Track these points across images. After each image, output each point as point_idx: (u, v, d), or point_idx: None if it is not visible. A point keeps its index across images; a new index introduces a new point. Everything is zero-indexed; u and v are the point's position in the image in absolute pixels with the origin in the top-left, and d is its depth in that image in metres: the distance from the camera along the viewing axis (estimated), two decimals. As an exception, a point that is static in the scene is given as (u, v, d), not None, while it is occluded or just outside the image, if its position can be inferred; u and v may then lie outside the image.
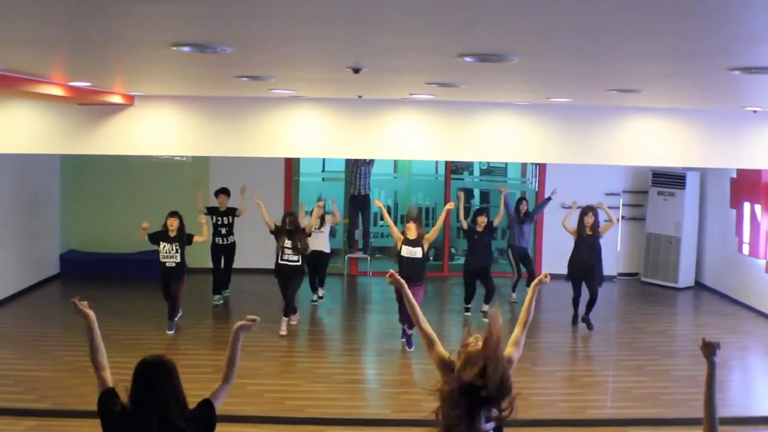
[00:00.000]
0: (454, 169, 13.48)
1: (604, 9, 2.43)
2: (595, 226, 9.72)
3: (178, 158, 12.17)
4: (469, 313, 10.19)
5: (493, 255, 10.81)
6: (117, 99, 7.62)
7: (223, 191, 10.63)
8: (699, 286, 12.57)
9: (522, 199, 11.35)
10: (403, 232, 8.77)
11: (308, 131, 8.30)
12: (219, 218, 10.58)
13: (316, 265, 10.61)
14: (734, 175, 11.52)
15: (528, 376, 8.04)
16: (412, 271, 8.39)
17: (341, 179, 13.23)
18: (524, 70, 4.32)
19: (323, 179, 14.21)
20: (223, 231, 10.57)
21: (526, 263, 11.17)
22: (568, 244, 9.95)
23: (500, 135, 8.35)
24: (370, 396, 7.87)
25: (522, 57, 3.64)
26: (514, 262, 11.17)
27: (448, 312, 10.87)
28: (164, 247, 9.22)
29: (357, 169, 12.48)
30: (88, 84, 6.36)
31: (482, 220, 9.97)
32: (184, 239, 9.31)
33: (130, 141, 8.26)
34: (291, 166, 12.59)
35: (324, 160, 13.66)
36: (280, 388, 7.58)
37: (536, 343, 9.30)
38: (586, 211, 9.79)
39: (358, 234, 12.69)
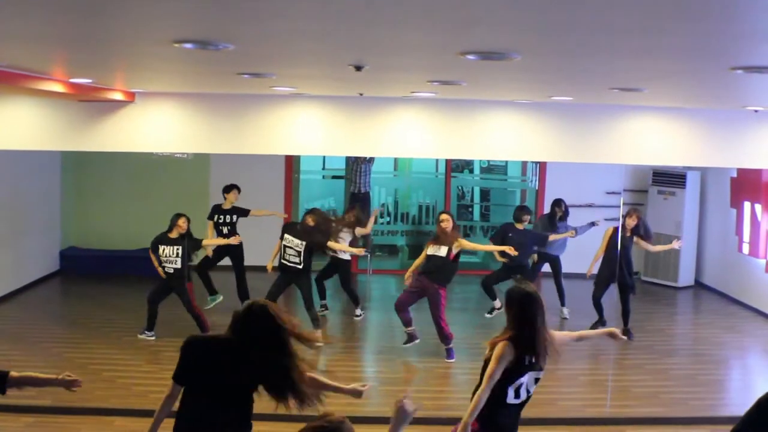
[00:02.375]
0: (455, 167, 13.48)
1: (608, 7, 2.43)
2: (637, 229, 9.29)
3: (178, 155, 12.16)
4: (490, 315, 9.82)
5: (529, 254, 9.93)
6: (118, 96, 7.62)
7: (236, 187, 9.93)
8: (699, 285, 12.58)
9: (560, 200, 10.43)
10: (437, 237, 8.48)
11: (309, 128, 8.29)
12: (221, 216, 9.81)
13: (334, 272, 10.07)
14: (734, 175, 11.52)
15: (528, 375, 8.04)
16: (433, 267, 8.31)
17: (342, 177, 13.23)
18: (527, 68, 4.31)
19: (323, 177, 14.22)
20: (225, 230, 9.76)
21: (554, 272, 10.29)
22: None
23: (501, 133, 8.34)
24: (370, 393, 7.85)
25: (525, 55, 3.64)
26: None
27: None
28: (163, 250, 8.65)
29: (357, 167, 12.47)
30: (90, 81, 6.36)
31: (527, 218, 9.52)
32: (185, 243, 8.68)
33: (131, 138, 8.25)
34: (291, 163, 12.59)
35: (324, 157, 13.67)
36: (279, 385, 7.58)
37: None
38: (630, 213, 9.37)
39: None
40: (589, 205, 12.33)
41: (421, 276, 8.43)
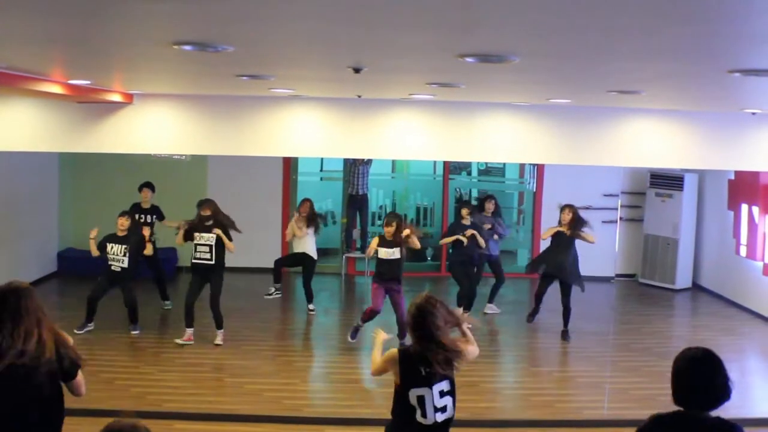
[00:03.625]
0: (452, 169, 13.49)
1: (606, 10, 2.43)
2: (574, 223, 9.27)
3: (176, 157, 12.16)
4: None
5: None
6: (116, 97, 7.62)
7: (147, 185, 10.09)
8: (696, 287, 12.60)
9: (489, 196, 10.65)
10: (381, 235, 8.70)
11: (307, 131, 8.30)
12: (141, 216, 9.82)
13: (297, 264, 10.16)
14: (732, 177, 11.54)
15: (525, 377, 8.09)
16: (389, 270, 8.53)
17: (339, 179, 13.22)
18: (525, 70, 4.32)
19: (321, 179, 14.21)
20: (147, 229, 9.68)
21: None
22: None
23: (499, 135, 8.35)
24: (367, 395, 7.87)
25: (523, 58, 3.65)
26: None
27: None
28: (111, 248, 8.71)
29: (355, 169, 12.47)
30: (88, 82, 6.36)
31: (466, 212, 9.98)
32: (132, 241, 8.75)
33: (129, 139, 8.25)
34: (289, 165, 12.59)
35: (322, 159, 13.66)
36: (277, 387, 7.58)
37: (533, 343, 9.31)
38: (563, 208, 9.44)
39: (356, 233, 12.69)
40: (587, 208, 12.34)
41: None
